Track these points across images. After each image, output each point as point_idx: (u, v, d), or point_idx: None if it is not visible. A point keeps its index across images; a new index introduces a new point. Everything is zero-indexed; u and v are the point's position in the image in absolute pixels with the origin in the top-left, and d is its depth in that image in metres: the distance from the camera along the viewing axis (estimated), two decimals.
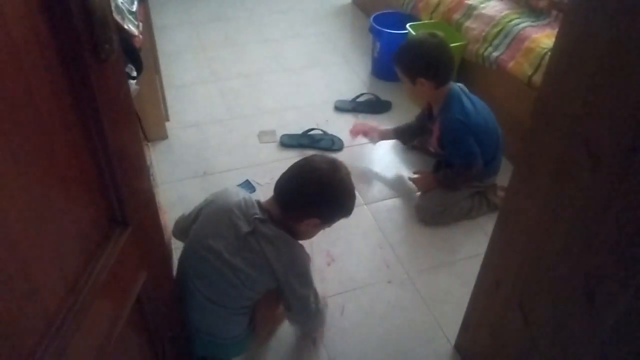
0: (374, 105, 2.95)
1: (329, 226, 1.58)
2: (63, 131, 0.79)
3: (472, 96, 2.19)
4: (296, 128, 2.71)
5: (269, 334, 1.77)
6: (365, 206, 2.32)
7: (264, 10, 4.00)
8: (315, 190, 1.44)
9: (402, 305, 1.93)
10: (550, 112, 1.14)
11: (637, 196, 0.93)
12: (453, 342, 1.79)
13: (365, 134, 2.59)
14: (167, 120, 2.68)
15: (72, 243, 0.86)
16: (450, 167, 2.22)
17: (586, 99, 1.01)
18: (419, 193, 2.35)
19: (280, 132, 2.69)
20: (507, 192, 1.36)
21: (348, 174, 1.50)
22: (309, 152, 2.55)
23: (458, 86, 2.18)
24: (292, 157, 2.53)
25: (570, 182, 1.10)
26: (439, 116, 2.18)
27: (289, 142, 2.63)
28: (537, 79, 2.24)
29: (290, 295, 1.49)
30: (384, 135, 2.56)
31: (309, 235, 1.58)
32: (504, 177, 2.25)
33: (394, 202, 2.37)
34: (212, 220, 1.49)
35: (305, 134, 2.66)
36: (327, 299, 1.83)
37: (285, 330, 1.80)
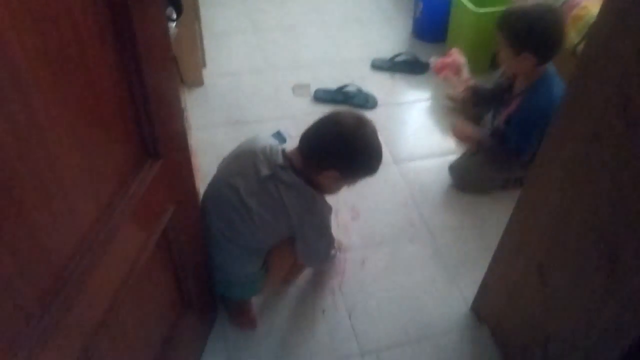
0: (412, 66, 2.90)
1: (353, 183, 1.58)
2: (105, 67, 0.82)
3: (558, 79, 2.02)
4: (331, 83, 2.70)
5: (285, 282, 1.82)
6: (394, 165, 2.32)
7: None
8: (336, 141, 1.44)
9: (422, 264, 1.95)
10: (590, 76, 1.11)
11: None
12: (470, 303, 1.81)
13: (451, 71, 2.38)
14: (204, 66, 2.70)
15: (108, 170, 0.90)
16: (500, 144, 2.12)
17: (627, 64, 0.99)
18: (454, 156, 2.33)
19: (314, 87, 2.69)
20: (537, 158, 1.34)
21: (374, 132, 1.49)
22: (343, 108, 2.55)
23: (551, 67, 2.02)
24: (324, 112, 2.54)
25: (604, 146, 1.08)
26: (524, 94, 2.04)
27: (323, 96, 2.63)
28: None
29: (301, 243, 1.53)
30: (464, 85, 2.36)
31: (330, 189, 1.58)
32: None
33: (424, 163, 2.36)
34: (236, 161, 1.53)
35: (340, 90, 2.65)
36: (342, 243, 1.88)
37: (304, 278, 1.85)
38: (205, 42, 2.71)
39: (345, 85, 2.67)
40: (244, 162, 1.50)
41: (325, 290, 1.83)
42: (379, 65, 2.90)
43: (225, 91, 2.65)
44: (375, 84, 2.74)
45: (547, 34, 1.89)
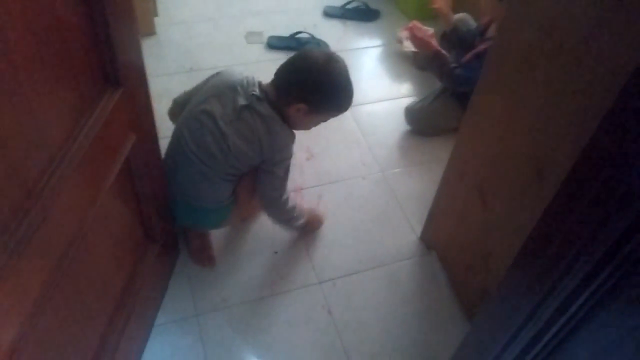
0: (363, 13, 2.96)
1: (323, 119, 1.64)
2: None
3: None
4: (284, 31, 2.73)
5: (250, 215, 1.90)
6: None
7: None
8: (304, 74, 1.51)
9: (374, 200, 2.06)
10: (521, 9, 1.20)
11: (592, 83, 1.03)
12: (419, 234, 1.94)
13: (421, 40, 2.25)
14: (156, 15, 2.67)
15: (71, 95, 0.94)
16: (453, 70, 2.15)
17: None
18: (406, 100, 2.42)
19: (267, 34, 2.71)
20: (476, 88, 1.44)
21: (344, 69, 1.54)
22: None
23: None
24: (278, 59, 2.54)
25: (533, 73, 1.18)
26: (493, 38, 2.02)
27: (275, 44, 2.66)
28: None
29: (266, 170, 1.59)
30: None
31: (300, 123, 1.61)
32: None
33: (374, 107, 2.45)
34: (214, 90, 1.57)
35: (293, 37, 2.69)
36: (306, 211, 1.88)
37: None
38: None
39: (298, 33, 2.70)
40: (222, 92, 1.55)
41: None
42: (330, 13, 2.93)
43: (178, 40, 2.64)
44: (328, 31, 2.79)
45: None
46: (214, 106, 1.53)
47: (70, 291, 1.04)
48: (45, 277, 0.91)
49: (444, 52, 2.20)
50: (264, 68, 1.58)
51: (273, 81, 1.57)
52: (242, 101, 1.52)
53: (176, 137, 1.60)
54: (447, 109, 2.29)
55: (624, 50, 0.93)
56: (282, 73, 1.55)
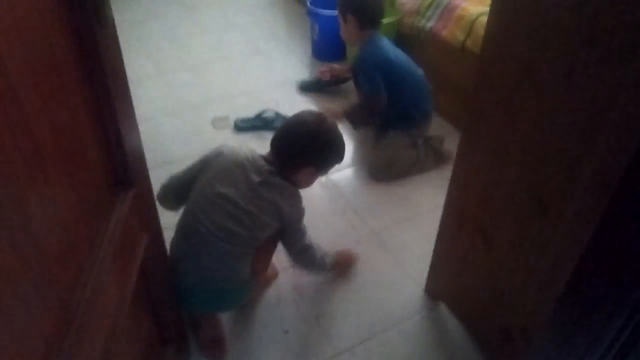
0: (330, 82, 3.04)
1: (325, 174, 1.77)
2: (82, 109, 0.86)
3: (386, 40, 2.48)
4: (248, 112, 2.79)
5: (264, 285, 1.92)
6: (322, 179, 2.44)
7: (197, 3, 4.03)
8: (306, 140, 1.61)
9: (372, 261, 2.06)
10: (498, 55, 1.29)
11: (573, 115, 1.10)
12: (423, 286, 1.95)
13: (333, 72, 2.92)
14: None
15: (90, 199, 0.92)
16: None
17: (530, 39, 1.17)
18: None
19: (233, 117, 2.76)
20: (461, 136, 1.51)
21: (334, 123, 1.68)
22: (264, 134, 2.65)
23: (383, 37, 2.46)
24: (247, 140, 2.62)
25: (519, 113, 1.25)
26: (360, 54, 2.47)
27: (243, 125, 2.71)
28: (470, 43, 2.43)
29: (291, 232, 1.69)
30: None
31: (306, 183, 1.73)
32: (438, 132, 2.61)
33: (348, 172, 2.51)
34: (224, 171, 1.59)
35: (258, 116, 2.74)
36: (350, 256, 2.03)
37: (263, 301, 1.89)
38: None
39: (263, 111, 2.76)
40: (232, 172, 1.58)
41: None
42: (305, 87, 3.05)
43: (145, 136, 2.57)
44: (290, 105, 2.86)
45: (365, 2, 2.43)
46: (228, 188, 1.55)
47: None
48: None
49: (346, 107, 2.54)
50: None
51: (273, 152, 1.64)
52: (255, 178, 1.56)
53: (190, 224, 1.58)
54: (395, 144, 2.45)
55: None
56: (282, 142, 1.63)
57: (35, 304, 0.73)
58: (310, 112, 1.69)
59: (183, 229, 1.62)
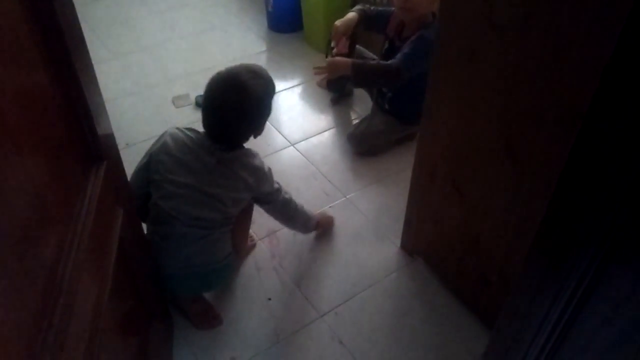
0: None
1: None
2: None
3: None
4: None
5: (243, 256, 1.92)
6: (292, 147, 2.44)
7: None
8: (240, 122, 1.54)
9: (347, 224, 2.09)
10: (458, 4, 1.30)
11: (535, 59, 1.12)
12: (399, 243, 1.98)
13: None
14: None
15: (64, 173, 0.90)
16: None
17: None
18: (347, 126, 2.52)
19: (194, 95, 2.72)
20: (428, 88, 1.52)
21: (251, 74, 1.53)
22: None
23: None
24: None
25: (481, 60, 1.28)
26: (415, 34, 2.14)
27: None
28: None
29: (264, 196, 1.67)
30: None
31: (256, 136, 1.69)
32: None
33: (318, 139, 2.51)
34: (176, 161, 1.54)
35: None
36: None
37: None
38: None
39: None
40: (184, 159, 1.54)
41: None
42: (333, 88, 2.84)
43: None
44: None
45: None
46: (186, 177, 1.52)
47: None
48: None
49: (356, 61, 2.21)
50: (199, 127, 1.61)
51: (211, 134, 1.56)
52: (210, 159, 1.53)
53: (164, 222, 1.54)
54: (386, 125, 2.40)
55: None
56: (216, 130, 1.55)
57: (21, 278, 0.71)
58: (233, 75, 1.53)
59: (157, 228, 1.57)
